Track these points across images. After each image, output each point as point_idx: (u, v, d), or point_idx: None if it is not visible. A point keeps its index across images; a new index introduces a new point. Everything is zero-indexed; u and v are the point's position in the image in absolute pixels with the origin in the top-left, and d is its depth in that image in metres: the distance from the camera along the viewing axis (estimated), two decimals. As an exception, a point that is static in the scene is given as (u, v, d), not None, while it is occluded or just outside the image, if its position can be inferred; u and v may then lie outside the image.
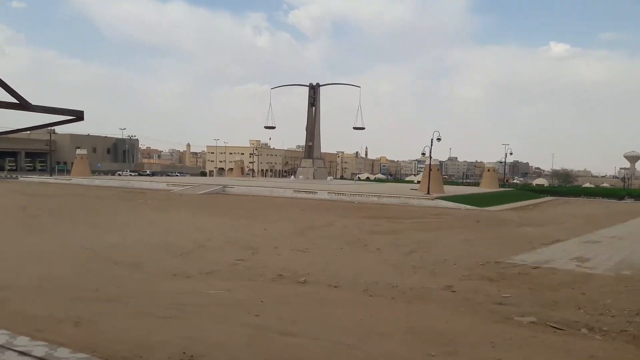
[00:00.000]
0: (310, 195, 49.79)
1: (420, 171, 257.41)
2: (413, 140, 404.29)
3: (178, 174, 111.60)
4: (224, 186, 54.93)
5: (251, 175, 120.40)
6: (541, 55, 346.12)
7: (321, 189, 51.75)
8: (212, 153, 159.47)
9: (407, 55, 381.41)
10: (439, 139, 48.76)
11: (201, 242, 19.61)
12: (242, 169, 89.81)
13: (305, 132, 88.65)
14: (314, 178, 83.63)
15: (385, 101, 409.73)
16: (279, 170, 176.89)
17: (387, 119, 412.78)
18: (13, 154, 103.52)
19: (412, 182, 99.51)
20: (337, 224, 27.22)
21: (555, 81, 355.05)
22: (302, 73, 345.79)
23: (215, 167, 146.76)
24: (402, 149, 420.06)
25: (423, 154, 51.16)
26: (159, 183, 57.25)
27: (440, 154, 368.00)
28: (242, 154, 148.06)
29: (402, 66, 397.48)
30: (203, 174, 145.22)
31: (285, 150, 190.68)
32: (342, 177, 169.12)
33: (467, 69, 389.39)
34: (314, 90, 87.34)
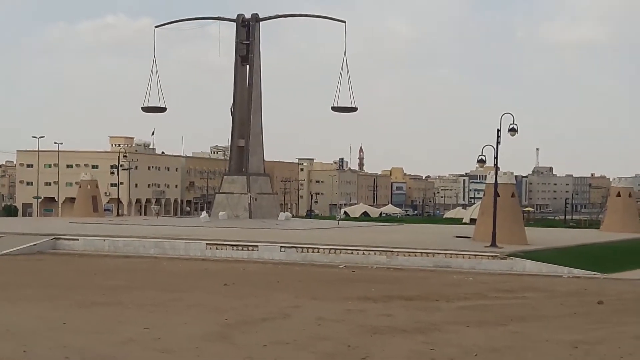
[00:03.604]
0: (245, 254, 49.64)
1: (474, 199, 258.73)
2: (457, 138, 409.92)
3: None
4: (57, 237, 54.92)
5: (114, 212, 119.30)
6: None
7: (267, 240, 51.56)
8: (30, 166, 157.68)
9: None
10: (513, 130, 49.34)
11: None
12: (96, 200, 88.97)
13: (230, 119, 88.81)
14: (250, 216, 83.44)
15: (399, 56, 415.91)
16: (175, 200, 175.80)
17: (403, 92, 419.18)
18: None
19: (457, 221, 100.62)
20: (303, 314, 27.25)
21: None
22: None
23: (37, 197, 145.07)
24: (435, 155, 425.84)
25: (481, 160, 51.78)
26: None
27: (517, 163, 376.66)
28: (96, 166, 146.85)
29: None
30: (9, 211, 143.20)
31: (187, 157, 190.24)
32: (310, 213, 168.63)
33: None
34: (247, 31, 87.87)
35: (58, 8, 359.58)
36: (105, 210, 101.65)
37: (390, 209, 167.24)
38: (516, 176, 63.87)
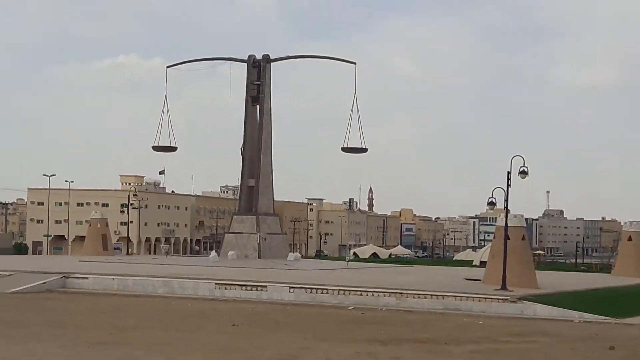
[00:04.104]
0: (253, 294, 49.71)
1: (484, 241, 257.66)
2: (467, 179, 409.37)
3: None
4: (66, 275, 55.14)
5: (123, 250, 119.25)
6: None
7: (276, 281, 51.67)
8: (40, 204, 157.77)
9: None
10: (523, 173, 49.32)
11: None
12: (106, 238, 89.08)
13: (240, 159, 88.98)
14: (259, 256, 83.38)
15: (409, 97, 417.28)
16: (185, 239, 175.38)
17: (413, 133, 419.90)
18: None
19: (467, 263, 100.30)
20: (311, 356, 27.12)
21: None
22: (235, 36, 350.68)
23: (48, 235, 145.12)
24: (445, 197, 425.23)
25: (492, 202, 51.74)
26: None
27: (527, 206, 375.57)
28: (106, 205, 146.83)
29: (445, 20, 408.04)
30: (19, 249, 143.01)
31: (197, 196, 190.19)
32: (319, 254, 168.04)
33: (575, 29, 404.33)
34: (258, 71, 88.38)
35: (70, 47, 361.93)
36: (114, 248, 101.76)
37: (399, 250, 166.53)
38: (526, 219, 63.89)
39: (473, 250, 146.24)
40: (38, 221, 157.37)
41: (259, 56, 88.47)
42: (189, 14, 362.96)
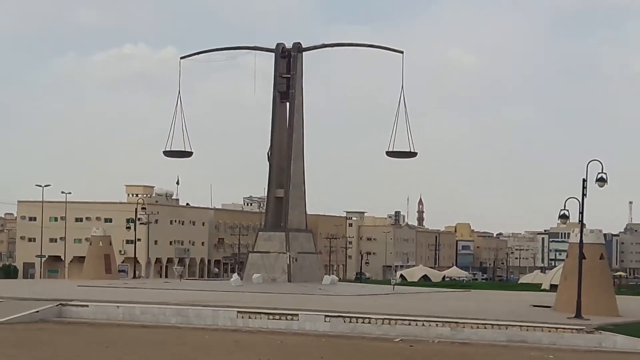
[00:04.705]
0: (282, 324, 49.47)
1: (555, 261, 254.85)
2: (534, 188, 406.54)
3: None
4: (63, 303, 54.98)
5: (130, 273, 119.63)
6: None
7: (309, 308, 51.55)
8: (32, 220, 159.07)
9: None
10: (601, 180, 49.03)
11: None
12: (109, 259, 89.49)
13: (267, 165, 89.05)
14: (289, 279, 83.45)
15: (465, 93, 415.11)
16: (201, 260, 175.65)
17: (471, 135, 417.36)
18: None
19: (534, 287, 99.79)
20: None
21: None
22: (260, 22, 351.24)
23: (41, 256, 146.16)
24: (508, 209, 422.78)
25: (564, 216, 51.51)
26: None
27: (606, 219, 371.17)
28: (110, 220, 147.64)
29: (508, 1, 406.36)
30: (8, 271, 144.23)
31: (216, 210, 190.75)
32: (359, 276, 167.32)
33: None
34: (288, 62, 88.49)
35: (68, 37, 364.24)
36: (119, 271, 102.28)
37: (455, 272, 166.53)
38: (605, 234, 63.57)
39: (542, 272, 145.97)
40: (30, 239, 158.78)
41: (288, 44, 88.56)
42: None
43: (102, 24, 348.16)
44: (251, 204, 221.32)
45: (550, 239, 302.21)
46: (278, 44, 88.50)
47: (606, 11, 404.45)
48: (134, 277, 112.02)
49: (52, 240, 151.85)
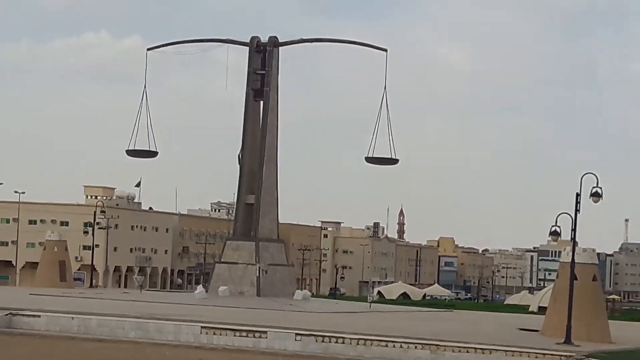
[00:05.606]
0: (250, 342, 49.37)
1: (544, 281, 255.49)
2: (524, 202, 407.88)
3: None
4: (13, 312, 54.71)
5: (86, 282, 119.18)
6: None
7: (279, 325, 51.43)
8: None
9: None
10: (596, 195, 49.15)
11: None
12: (64, 266, 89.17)
13: (237, 169, 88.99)
14: (258, 293, 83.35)
15: (453, 95, 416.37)
16: (164, 269, 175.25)
17: (457, 142, 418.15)
18: None
19: (521, 309, 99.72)
20: None
21: None
22: (234, 13, 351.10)
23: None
24: (495, 224, 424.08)
25: (555, 232, 51.61)
26: None
27: (600, 238, 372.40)
28: (66, 223, 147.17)
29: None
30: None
31: (181, 215, 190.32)
32: (334, 292, 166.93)
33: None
34: (263, 58, 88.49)
35: (23, 21, 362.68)
36: (75, 279, 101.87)
37: (436, 290, 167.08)
38: (599, 254, 63.76)
39: (530, 292, 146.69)
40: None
41: (264, 38, 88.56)
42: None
43: (61, 7, 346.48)
44: (219, 210, 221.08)
45: (540, 258, 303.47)
46: (253, 38, 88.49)
47: (611, 11, 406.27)
48: (91, 286, 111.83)
49: (3, 243, 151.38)
